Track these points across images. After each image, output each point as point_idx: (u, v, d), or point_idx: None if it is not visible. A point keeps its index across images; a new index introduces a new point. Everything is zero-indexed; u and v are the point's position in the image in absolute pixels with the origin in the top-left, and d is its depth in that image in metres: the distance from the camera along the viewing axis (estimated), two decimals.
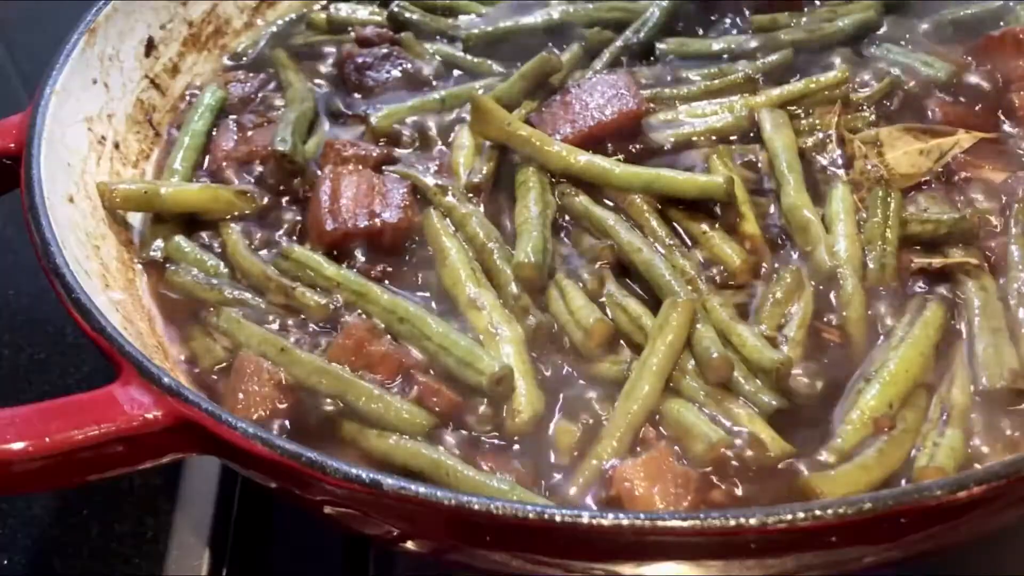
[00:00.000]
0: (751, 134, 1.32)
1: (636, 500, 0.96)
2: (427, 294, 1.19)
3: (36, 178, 1.18)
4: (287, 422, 1.08)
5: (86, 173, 1.30)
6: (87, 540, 1.28)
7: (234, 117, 1.45)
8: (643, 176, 1.23)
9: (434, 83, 1.47)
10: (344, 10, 1.63)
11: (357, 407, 1.06)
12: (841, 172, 1.27)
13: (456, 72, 1.50)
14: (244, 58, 1.60)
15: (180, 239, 1.28)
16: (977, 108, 1.34)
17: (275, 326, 1.17)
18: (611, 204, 1.24)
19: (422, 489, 0.87)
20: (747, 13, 1.52)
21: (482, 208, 1.26)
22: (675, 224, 1.22)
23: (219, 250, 1.27)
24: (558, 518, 0.84)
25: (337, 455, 0.92)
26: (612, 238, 1.19)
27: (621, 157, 1.28)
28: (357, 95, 1.47)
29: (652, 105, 1.35)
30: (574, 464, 1.03)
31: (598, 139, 1.29)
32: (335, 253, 1.23)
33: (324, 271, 1.19)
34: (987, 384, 1.05)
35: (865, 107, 1.35)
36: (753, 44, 1.46)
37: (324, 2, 1.67)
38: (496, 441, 1.06)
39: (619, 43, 1.47)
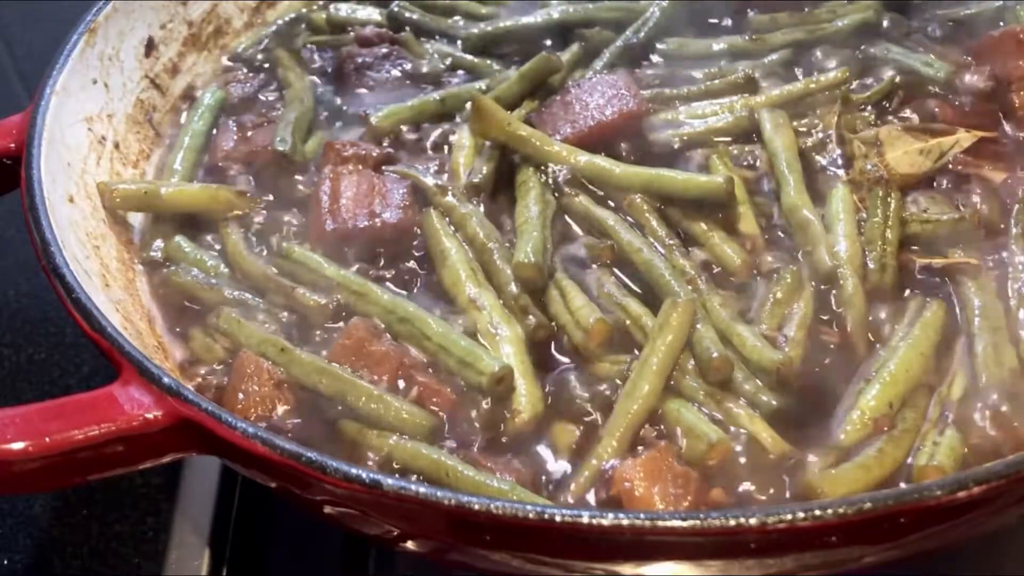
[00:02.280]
0: (751, 134, 1.32)
1: (636, 500, 0.96)
2: (427, 294, 1.19)
3: (36, 178, 1.18)
4: (287, 422, 1.08)
5: (86, 173, 1.30)
6: (87, 540, 1.28)
7: (234, 117, 1.45)
8: (643, 176, 1.23)
9: (434, 83, 1.48)
10: (344, 10, 1.63)
11: (357, 407, 1.06)
12: (841, 172, 1.27)
13: (456, 72, 1.50)
14: (244, 58, 1.60)
15: (180, 239, 1.28)
16: (977, 108, 1.34)
17: (275, 326, 1.17)
18: (611, 204, 1.24)
19: (422, 489, 0.87)
20: (747, 13, 1.52)
21: (482, 208, 1.26)
22: (675, 224, 1.22)
23: (219, 250, 1.27)
24: (558, 518, 0.84)
25: (337, 455, 0.92)
26: (612, 238, 1.19)
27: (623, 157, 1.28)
28: (357, 95, 1.47)
29: (652, 105, 1.35)
30: (574, 464, 1.03)
31: (598, 139, 1.29)
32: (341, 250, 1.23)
33: (324, 271, 1.19)
34: (987, 384, 1.05)
35: (865, 107, 1.35)
36: (753, 44, 1.46)
37: (324, 2, 1.67)
38: (496, 441, 1.06)
39: (619, 43, 1.47)
